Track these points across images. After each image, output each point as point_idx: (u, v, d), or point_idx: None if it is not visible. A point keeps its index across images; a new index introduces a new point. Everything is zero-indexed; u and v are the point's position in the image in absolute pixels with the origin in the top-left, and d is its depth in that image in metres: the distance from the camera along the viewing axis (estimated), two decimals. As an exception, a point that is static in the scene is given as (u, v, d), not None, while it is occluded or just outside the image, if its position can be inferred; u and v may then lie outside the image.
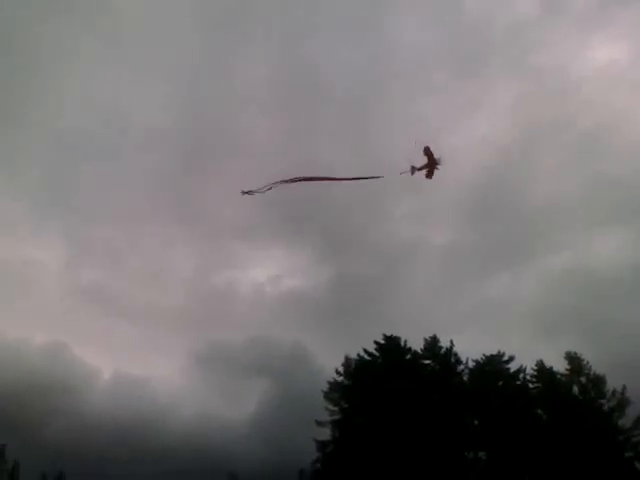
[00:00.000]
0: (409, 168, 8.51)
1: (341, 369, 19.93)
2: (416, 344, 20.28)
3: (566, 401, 18.57)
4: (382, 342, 19.77)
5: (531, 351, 22.63)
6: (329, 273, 35.70)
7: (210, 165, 37.03)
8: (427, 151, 8.58)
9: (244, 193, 7.68)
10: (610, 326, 22.37)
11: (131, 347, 30.30)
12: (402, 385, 17.94)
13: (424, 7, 37.84)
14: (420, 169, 8.55)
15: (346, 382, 19.45)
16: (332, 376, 20.06)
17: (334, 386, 19.52)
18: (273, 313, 31.59)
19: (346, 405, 19.00)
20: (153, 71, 33.15)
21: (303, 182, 8.04)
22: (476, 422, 18.53)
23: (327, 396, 19.37)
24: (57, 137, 34.62)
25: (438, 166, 8.59)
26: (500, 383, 19.00)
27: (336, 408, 19.13)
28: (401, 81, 35.89)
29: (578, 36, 42.20)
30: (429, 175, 8.75)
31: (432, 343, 19.82)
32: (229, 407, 26.60)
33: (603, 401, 18.45)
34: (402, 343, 19.68)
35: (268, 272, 39.74)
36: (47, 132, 35.19)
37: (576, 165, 36.51)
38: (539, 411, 18.94)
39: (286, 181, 7.89)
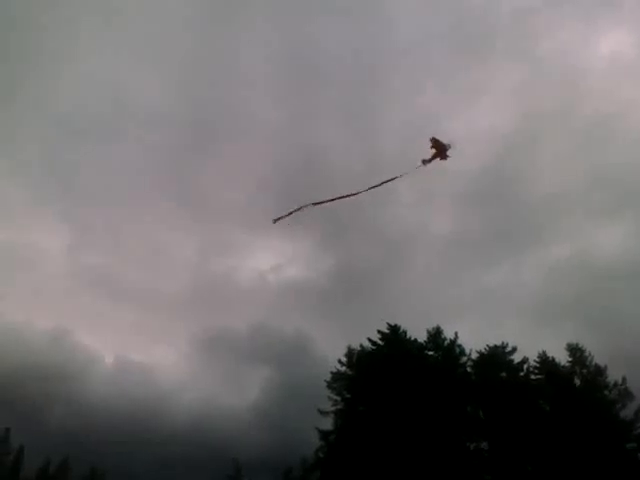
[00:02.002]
0: (420, 163, 8.55)
1: (344, 359, 19.78)
2: (419, 333, 20.38)
3: (568, 392, 18.63)
4: (386, 331, 19.79)
5: (533, 340, 22.73)
6: (331, 261, 35.83)
7: (211, 149, 36.90)
8: (434, 142, 8.58)
9: (275, 221, 7.89)
10: (612, 316, 22.41)
11: (133, 332, 30.53)
12: (405, 375, 17.96)
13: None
14: (431, 160, 8.59)
15: (349, 372, 19.30)
16: (334, 365, 20.03)
17: (337, 376, 19.35)
18: (276, 301, 31.72)
19: (349, 395, 18.78)
20: (154, 54, 32.83)
21: (329, 202, 8.09)
22: (480, 413, 18.61)
23: (330, 386, 19.20)
24: (58, 120, 34.49)
25: (450, 150, 8.66)
26: (503, 374, 19.05)
27: (339, 398, 18.97)
28: (403, 68, 35.70)
29: (583, 24, 41.91)
30: (443, 159, 8.73)
31: (436, 334, 19.79)
32: (232, 394, 26.80)
33: (605, 392, 18.37)
34: (405, 333, 19.73)
35: (270, 259, 39.88)
36: (48, 115, 35.04)
37: (579, 154, 36.40)
38: (541, 402, 19.09)
39: (314, 204, 8.00)
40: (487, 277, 30.47)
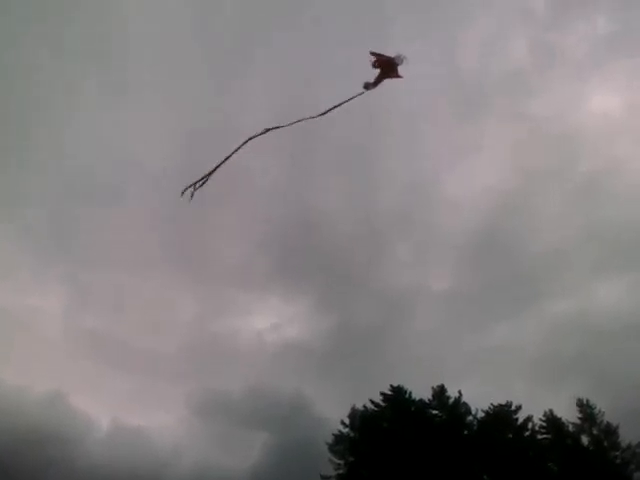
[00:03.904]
0: (364, 86, 7.13)
1: (346, 420, 19.55)
2: (422, 392, 19.99)
3: (577, 452, 18.16)
4: (388, 392, 19.46)
5: (538, 399, 22.29)
6: (330, 321, 35.41)
7: (210, 211, 37.06)
8: (377, 58, 7.09)
9: (187, 191, 6.87)
10: (618, 373, 22.01)
11: (129, 396, 29.81)
12: (410, 437, 17.54)
13: (419, 54, 38.49)
14: (378, 81, 7.20)
15: (352, 434, 19.11)
16: (336, 427, 19.70)
17: (339, 438, 19.11)
18: (273, 362, 31.16)
19: (352, 458, 18.48)
20: (154, 116, 33.35)
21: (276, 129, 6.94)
22: (485, 476, 18.09)
23: (332, 449, 18.95)
24: (58, 180, 34.76)
25: (399, 64, 7.18)
26: (509, 435, 18.65)
27: (341, 461, 18.66)
28: (399, 127, 36.20)
29: (574, 85, 42.92)
30: (393, 77, 7.26)
31: (440, 393, 19.46)
32: (230, 458, 26.06)
33: (617, 453, 18.12)
34: (408, 393, 19.39)
35: (268, 320, 39.48)
36: (48, 174, 35.31)
37: (576, 211, 36.62)
38: (549, 463, 18.59)
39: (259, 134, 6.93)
40: (488, 334, 30.15)
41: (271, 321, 40.47)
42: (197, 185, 6.78)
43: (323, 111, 7.12)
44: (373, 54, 7.03)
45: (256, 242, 35.79)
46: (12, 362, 27.47)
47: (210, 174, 6.82)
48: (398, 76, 7.25)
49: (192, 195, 6.77)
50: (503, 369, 27.03)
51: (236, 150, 6.82)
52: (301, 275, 34.86)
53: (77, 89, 31.36)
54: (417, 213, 36.95)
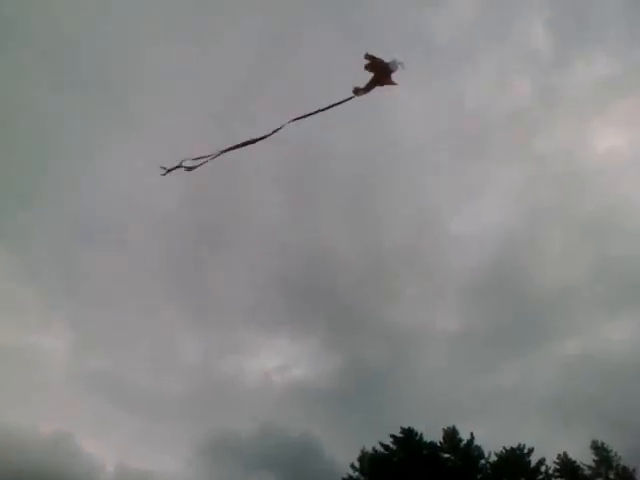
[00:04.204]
0: (353, 91, 6.52)
1: (356, 463, 19.19)
2: (432, 434, 19.63)
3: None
4: (399, 435, 19.09)
5: (551, 441, 21.83)
6: (337, 361, 35.08)
7: (216, 251, 37.21)
8: (371, 61, 6.47)
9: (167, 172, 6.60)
10: (636, 415, 21.58)
11: (135, 438, 29.43)
12: (422, 482, 17.22)
13: (426, 95, 38.94)
14: (370, 87, 6.57)
15: (362, 478, 18.80)
16: (345, 471, 19.32)
17: (349, 482, 18.84)
18: (281, 403, 30.79)
19: (362, 503, 18.22)
20: (163, 161, 33.52)
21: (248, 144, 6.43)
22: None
23: (341, 493, 18.71)
24: (65, 220, 35.03)
25: (394, 70, 6.50)
26: (523, 479, 18.22)
27: (351, 506, 18.41)
28: (403, 166, 36.53)
29: (578, 124, 43.24)
30: (384, 83, 6.58)
31: (451, 435, 19.09)
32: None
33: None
34: (419, 435, 19.01)
35: (275, 360, 39.20)
36: (55, 215, 35.59)
37: (584, 248, 36.53)
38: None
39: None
40: (498, 374, 29.78)
41: (279, 361, 40.17)
42: (175, 168, 6.48)
43: (302, 115, 6.60)
44: (368, 56, 6.53)
45: (263, 282, 35.76)
46: (17, 402, 27.27)
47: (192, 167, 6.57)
48: (392, 83, 6.75)
49: (166, 173, 6.50)
50: (514, 409, 26.62)
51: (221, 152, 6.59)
52: (308, 315, 34.68)
53: (88, 133, 31.78)
54: (424, 252, 36.91)
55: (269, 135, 6.43)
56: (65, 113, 31.93)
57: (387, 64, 6.50)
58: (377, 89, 6.47)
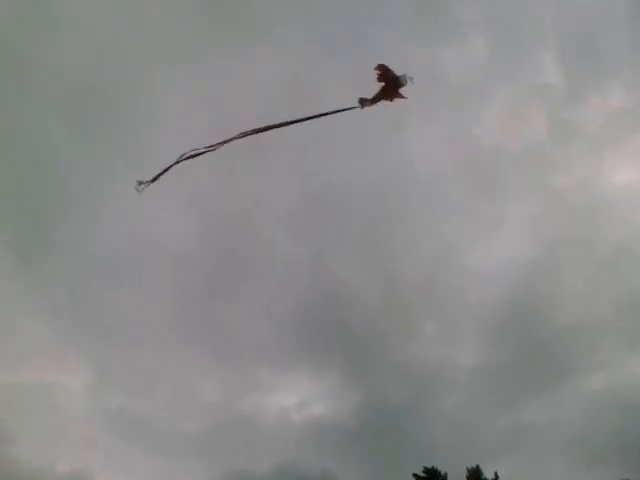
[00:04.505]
0: (358, 101, 6.34)
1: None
2: (454, 472, 19.26)
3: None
4: (421, 474, 18.67)
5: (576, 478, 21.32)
6: (358, 398, 34.63)
7: (234, 288, 37.21)
8: (383, 71, 6.32)
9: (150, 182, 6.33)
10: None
11: (153, 477, 29.15)
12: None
13: (438, 130, 39.19)
14: (377, 99, 6.44)
15: (385, 519, 18.36)
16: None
17: (372, 523, 18.40)
18: (300, 440, 30.36)
19: None
20: (182, 198, 34.07)
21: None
22: None
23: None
24: (82, 258, 35.25)
25: (403, 85, 6.30)
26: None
27: None
28: (419, 201, 36.52)
29: (593, 157, 43.21)
30: (392, 96, 6.35)
31: (475, 475, 18.66)
32: None
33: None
34: (443, 475, 18.58)
35: (293, 397, 38.70)
36: (72, 253, 35.84)
37: (605, 281, 36.08)
38: None
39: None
40: (521, 410, 29.24)
41: (296, 398, 39.70)
42: (150, 181, 6.45)
43: (303, 117, 6.48)
44: (379, 67, 6.40)
45: (279, 319, 35.60)
46: (34, 441, 27.14)
47: (163, 172, 6.53)
48: (401, 96, 6.60)
49: (142, 188, 6.45)
50: (539, 447, 26.07)
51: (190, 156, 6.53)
52: (326, 351, 34.37)
53: (103, 170, 32.14)
54: (442, 286, 36.65)
55: (256, 132, 6.32)
56: (81, 156, 32.37)
57: (398, 77, 6.42)
58: (384, 103, 6.33)
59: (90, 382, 36.66)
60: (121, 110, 29.96)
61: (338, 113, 6.53)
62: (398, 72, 6.37)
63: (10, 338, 31.05)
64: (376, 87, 6.48)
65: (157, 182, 6.45)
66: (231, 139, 6.49)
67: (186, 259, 35.74)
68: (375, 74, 6.42)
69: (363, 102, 6.46)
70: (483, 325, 33.88)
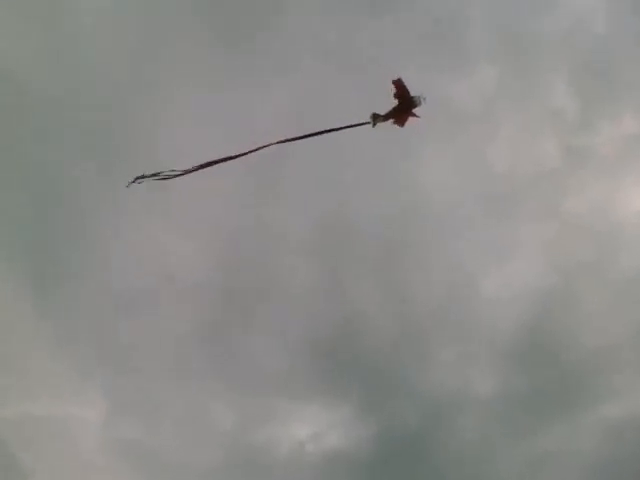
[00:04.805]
0: (370, 118, 6.19)
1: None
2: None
3: None
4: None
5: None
6: (372, 428, 34.24)
7: (248, 318, 37.27)
8: (399, 87, 6.23)
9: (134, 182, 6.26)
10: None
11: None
12: None
13: (452, 157, 39.43)
14: (388, 117, 6.36)
15: None
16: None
17: None
18: (314, 472, 30.04)
19: None
20: (197, 229, 34.47)
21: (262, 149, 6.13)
22: None
23: None
24: (98, 289, 35.46)
25: (416, 108, 6.21)
26: None
27: None
28: (432, 229, 36.51)
29: (607, 182, 43.06)
30: (401, 119, 6.22)
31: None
32: None
33: None
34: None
35: (308, 428, 38.30)
36: (86, 285, 36.12)
37: (619, 307, 35.64)
38: None
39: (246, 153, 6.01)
40: (540, 438, 28.78)
41: (311, 429, 39.36)
42: (148, 178, 6.39)
43: (314, 132, 6.38)
44: (397, 82, 6.31)
45: (294, 348, 35.45)
46: (49, 473, 27.14)
47: (169, 177, 6.52)
48: (414, 115, 6.60)
49: (136, 182, 6.39)
50: (558, 476, 25.61)
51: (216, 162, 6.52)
52: (341, 380, 34.13)
53: (119, 201, 32.56)
54: (457, 314, 36.51)
55: (258, 149, 6.34)
56: (97, 187, 32.91)
57: (412, 97, 6.52)
58: (395, 127, 6.29)
59: (104, 412, 36.63)
60: (136, 141, 30.51)
61: (350, 129, 6.59)
62: (413, 92, 6.44)
63: (24, 370, 31.24)
64: (387, 104, 6.49)
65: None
66: (242, 153, 6.58)
67: (200, 289, 35.88)
68: (392, 89, 6.44)
69: (376, 118, 6.48)
70: (499, 352, 33.50)
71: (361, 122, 6.72)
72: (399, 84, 6.51)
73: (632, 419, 28.42)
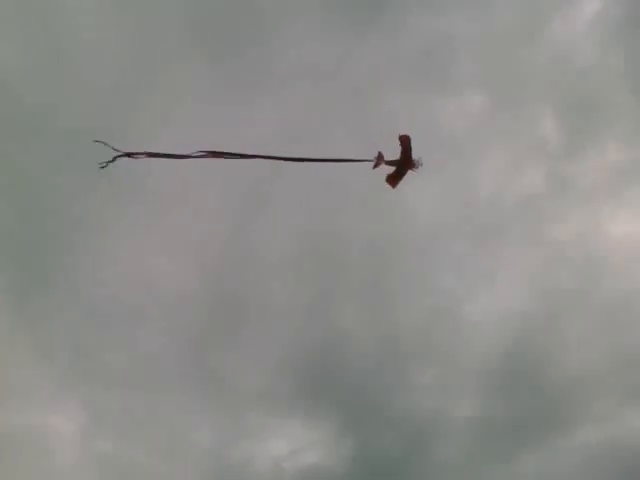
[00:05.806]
0: (375, 157, 6.62)
1: None
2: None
3: None
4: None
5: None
6: (350, 447, 34.26)
7: (229, 335, 37.29)
8: (404, 141, 6.68)
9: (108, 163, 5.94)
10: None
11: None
12: None
13: (437, 183, 39.82)
14: (388, 163, 6.76)
15: None
16: None
17: None
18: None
19: None
20: (181, 245, 34.66)
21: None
22: None
23: None
24: (78, 301, 35.38)
25: (413, 169, 6.70)
26: None
27: None
28: (417, 253, 36.75)
29: (591, 210, 43.56)
30: (394, 180, 6.68)
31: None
32: None
33: None
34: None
35: (286, 446, 38.24)
36: (68, 296, 36.07)
37: (603, 333, 35.91)
38: None
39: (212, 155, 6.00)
40: (517, 463, 28.88)
41: (290, 447, 39.28)
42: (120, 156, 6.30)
43: (310, 158, 6.68)
44: (403, 139, 6.64)
45: (274, 366, 35.47)
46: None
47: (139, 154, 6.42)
48: (412, 168, 6.89)
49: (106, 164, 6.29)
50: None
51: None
52: (320, 399, 34.16)
53: (103, 216, 32.67)
54: (438, 337, 36.67)
55: (248, 157, 6.37)
56: (81, 200, 33.00)
57: (412, 159, 6.83)
58: (386, 187, 6.47)
59: (82, 426, 36.39)
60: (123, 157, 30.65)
61: (347, 163, 6.66)
62: (414, 155, 6.74)
63: (1, 381, 31.07)
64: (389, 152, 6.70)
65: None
66: (236, 155, 6.57)
67: (182, 306, 35.89)
68: (398, 143, 6.70)
69: (380, 157, 6.69)
70: (480, 376, 33.65)
71: (364, 159, 6.60)
72: (406, 142, 6.83)
73: (611, 445, 28.60)
